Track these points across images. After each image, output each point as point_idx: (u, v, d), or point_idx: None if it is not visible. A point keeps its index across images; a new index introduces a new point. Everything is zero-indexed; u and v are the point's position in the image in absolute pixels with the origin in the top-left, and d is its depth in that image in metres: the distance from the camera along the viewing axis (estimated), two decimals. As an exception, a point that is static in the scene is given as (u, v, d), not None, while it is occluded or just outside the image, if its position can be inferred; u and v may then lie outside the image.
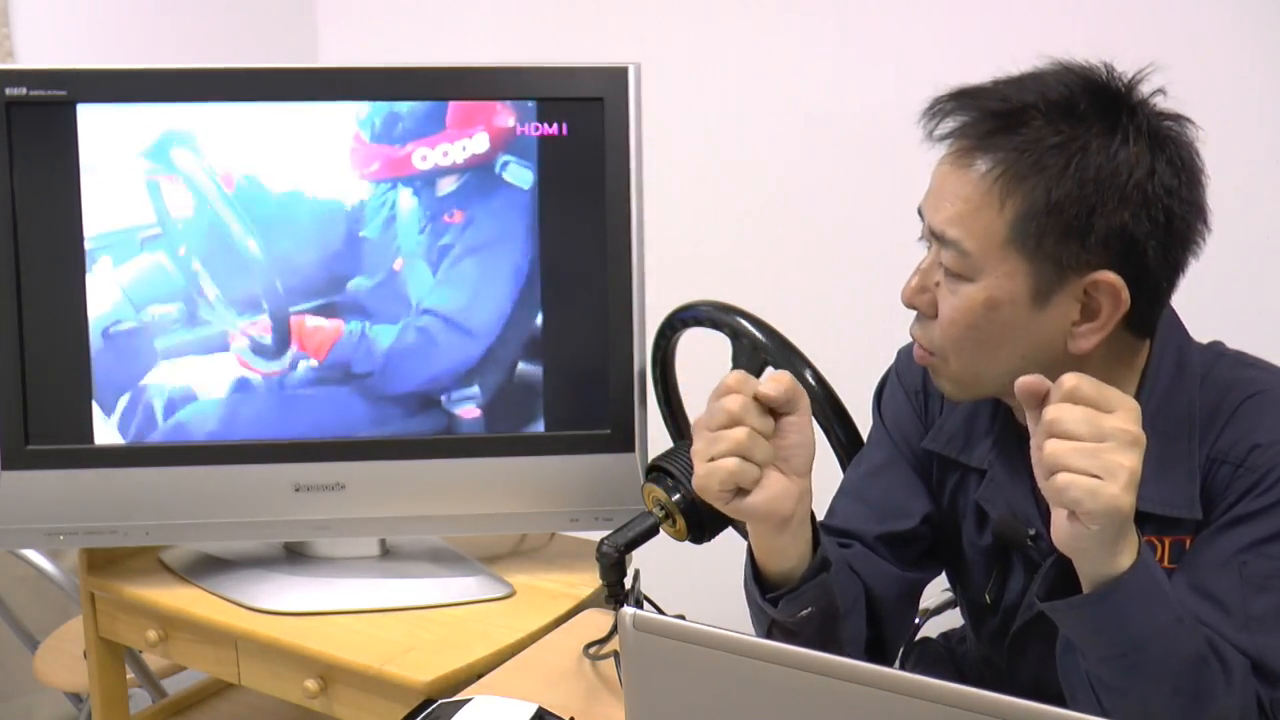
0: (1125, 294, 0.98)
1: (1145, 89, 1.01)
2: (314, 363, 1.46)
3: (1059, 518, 0.89)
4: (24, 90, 1.39)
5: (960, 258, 1.00)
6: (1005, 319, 1.00)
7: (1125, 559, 0.90)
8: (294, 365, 1.46)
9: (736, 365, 1.37)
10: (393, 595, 1.49)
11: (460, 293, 1.46)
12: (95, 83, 1.42)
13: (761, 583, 1.08)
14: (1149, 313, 1.02)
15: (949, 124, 1.03)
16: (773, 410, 1.01)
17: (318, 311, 1.45)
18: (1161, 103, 1.01)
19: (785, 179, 2.24)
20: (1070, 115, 0.98)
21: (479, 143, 1.44)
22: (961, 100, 1.03)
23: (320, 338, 1.46)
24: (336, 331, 1.46)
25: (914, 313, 1.09)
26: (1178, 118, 1.01)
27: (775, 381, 1.00)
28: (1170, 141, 0.99)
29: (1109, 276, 0.98)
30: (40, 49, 2.24)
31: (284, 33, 2.68)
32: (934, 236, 1.03)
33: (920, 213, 1.06)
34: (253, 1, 2.61)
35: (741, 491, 1.00)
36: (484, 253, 1.46)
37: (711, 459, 0.99)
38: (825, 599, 1.06)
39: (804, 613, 1.05)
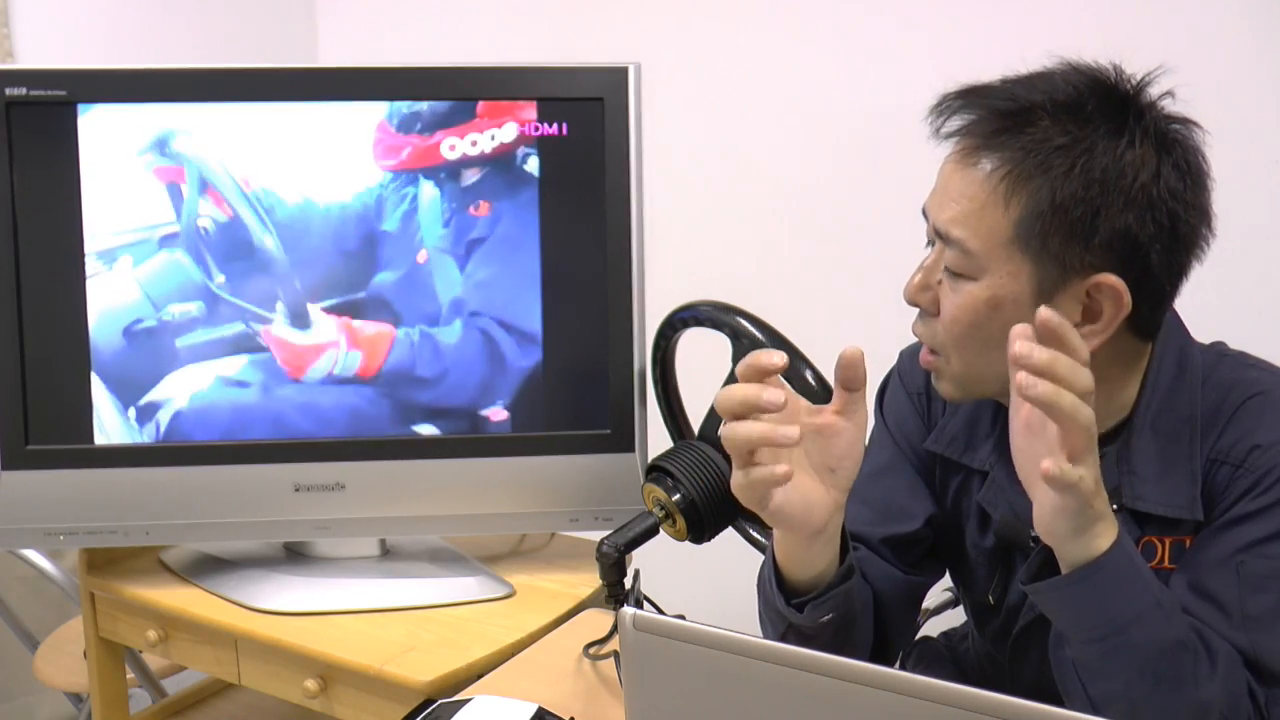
0: (1127, 297, 0.98)
1: (1153, 91, 1.01)
2: (336, 361, 1.46)
3: (1041, 497, 0.90)
4: (24, 90, 1.39)
5: (963, 257, 1.00)
6: (1007, 319, 0.99)
7: (1103, 542, 0.91)
8: (312, 364, 1.46)
9: (736, 365, 1.37)
10: (393, 595, 1.49)
11: (493, 290, 1.46)
12: (95, 83, 1.42)
13: (783, 588, 1.07)
14: (1151, 316, 1.02)
15: (956, 122, 1.03)
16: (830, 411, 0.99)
17: (340, 309, 1.46)
18: (1169, 105, 1.01)
19: (785, 178, 2.24)
20: (1077, 116, 0.98)
21: (508, 132, 1.44)
22: (969, 98, 1.03)
23: (346, 334, 1.46)
24: (366, 328, 1.46)
25: (915, 312, 1.09)
26: (1185, 121, 1.01)
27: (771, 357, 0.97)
28: (1177, 145, 0.99)
29: (1111, 279, 0.98)
30: (40, 49, 2.24)
31: (284, 32, 2.68)
32: (938, 235, 1.03)
33: (925, 212, 1.06)
34: (253, 1, 2.61)
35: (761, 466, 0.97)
36: (513, 247, 1.46)
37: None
38: (846, 605, 1.06)
39: (825, 619, 1.04)
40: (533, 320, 1.47)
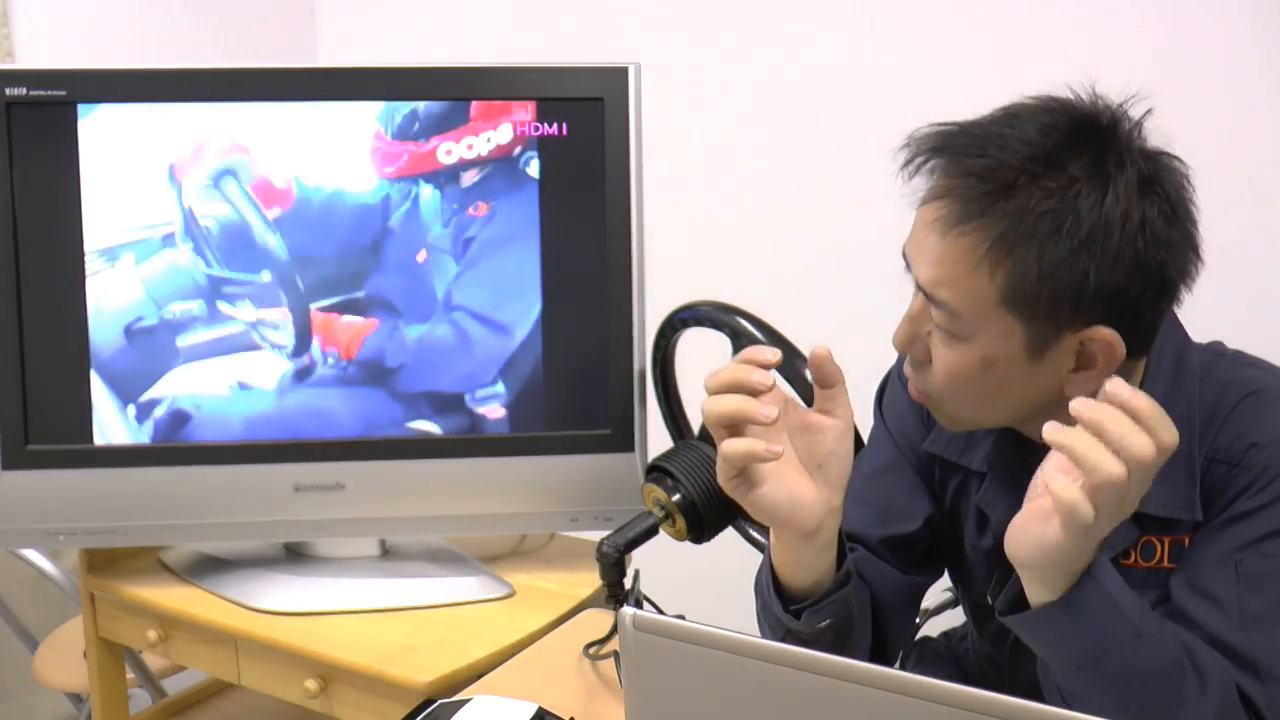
0: (1121, 349, 0.97)
1: (1134, 114, 0.98)
2: (338, 359, 1.46)
3: (1030, 526, 0.89)
4: (24, 90, 1.40)
5: (952, 319, 0.99)
6: (1001, 374, 0.99)
7: (1070, 579, 0.91)
8: (315, 363, 1.47)
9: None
10: (393, 595, 1.49)
11: (489, 288, 1.46)
12: (95, 83, 1.42)
13: (781, 593, 1.06)
14: (1143, 346, 1.02)
15: (928, 180, 1.00)
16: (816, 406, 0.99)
17: (342, 307, 1.46)
18: (1150, 124, 0.98)
19: (785, 178, 2.24)
20: (1057, 171, 0.94)
21: (503, 134, 1.44)
22: (940, 154, 0.99)
23: (350, 334, 1.46)
24: (368, 328, 1.46)
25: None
26: (1162, 154, 0.98)
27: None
28: (1158, 181, 0.96)
29: (1104, 333, 0.96)
30: (40, 49, 2.24)
31: (284, 32, 2.68)
32: (922, 290, 1.01)
33: (905, 255, 1.04)
34: (253, 1, 2.61)
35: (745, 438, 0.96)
36: (509, 246, 1.46)
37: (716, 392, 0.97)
38: (845, 611, 1.05)
39: (822, 624, 1.04)
40: (533, 319, 1.47)
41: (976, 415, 1.05)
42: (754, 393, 0.95)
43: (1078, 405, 0.86)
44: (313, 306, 1.46)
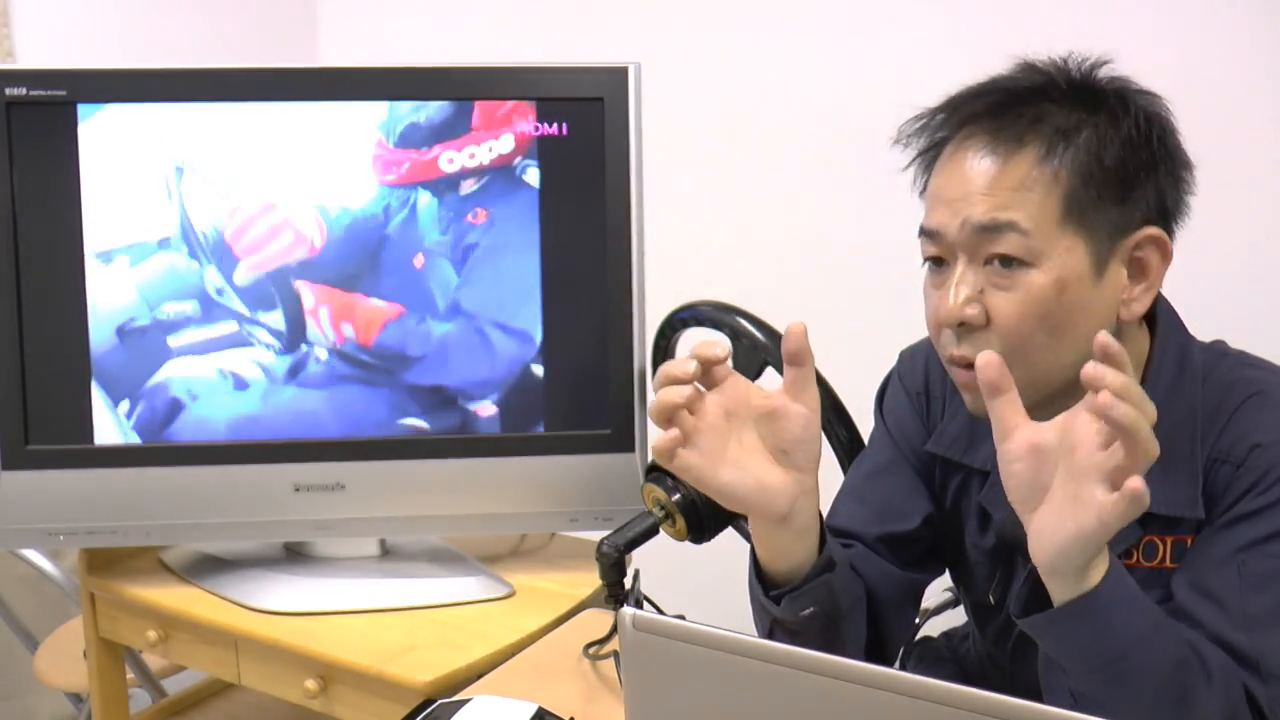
0: (1169, 244, 1.03)
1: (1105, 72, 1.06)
2: (328, 356, 1.46)
3: (1051, 527, 0.88)
4: (24, 90, 1.40)
5: (1021, 239, 0.99)
6: (1073, 299, 1.00)
7: (1096, 572, 0.90)
8: (314, 358, 1.46)
9: (736, 365, 1.37)
10: (393, 595, 1.49)
11: (488, 291, 1.46)
12: (95, 83, 1.42)
13: (764, 581, 1.07)
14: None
15: (953, 128, 1.04)
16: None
17: (339, 309, 1.46)
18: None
19: (785, 178, 2.24)
20: (1072, 98, 1.02)
21: (505, 144, 1.44)
22: (960, 103, 1.05)
23: (365, 320, 1.46)
24: (374, 311, 1.46)
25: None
26: (1148, 91, 1.06)
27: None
28: (1158, 106, 1.04)
29: (1153, 231, 1.02)
30: (40, 49, 2.25)
31: (284, 32, 2.68)
32: (980, 232, 1.00)
33: (929, 231, 1.04)
34: (253, 1, 2.61)
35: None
36: (509, 250, 1.46)
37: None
38: (828, 599, 1.05)
39: (806, 612, 1.04)
40: (533, 321, 1.47)
41: (1046, 363, 1.02)
42: (681, 383, 0.97)
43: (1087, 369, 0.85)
44: (304, 305, 1.45)
